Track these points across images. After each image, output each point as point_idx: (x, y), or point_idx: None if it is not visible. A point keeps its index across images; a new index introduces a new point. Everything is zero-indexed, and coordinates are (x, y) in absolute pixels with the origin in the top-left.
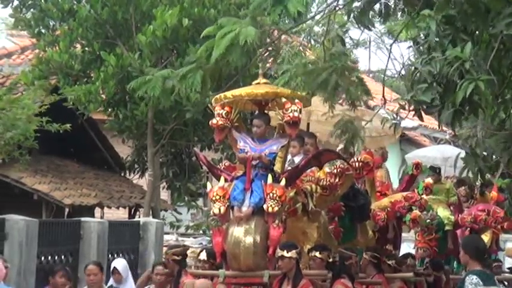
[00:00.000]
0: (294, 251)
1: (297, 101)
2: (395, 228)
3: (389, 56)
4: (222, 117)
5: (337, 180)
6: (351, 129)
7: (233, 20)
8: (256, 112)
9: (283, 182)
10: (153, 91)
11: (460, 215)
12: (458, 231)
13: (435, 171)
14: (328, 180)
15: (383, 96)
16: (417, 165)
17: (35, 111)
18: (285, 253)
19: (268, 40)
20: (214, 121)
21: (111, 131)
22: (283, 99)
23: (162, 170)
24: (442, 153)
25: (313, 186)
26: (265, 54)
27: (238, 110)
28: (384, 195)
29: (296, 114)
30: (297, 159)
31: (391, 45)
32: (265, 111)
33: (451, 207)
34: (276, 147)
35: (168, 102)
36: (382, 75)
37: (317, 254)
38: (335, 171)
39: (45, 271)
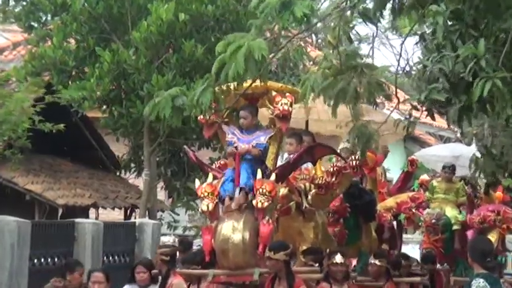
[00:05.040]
0: (281, 253)
1: (287, 94)
2: (393, 228)
3: (400, 57)
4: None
5: (333, 179)
6: (365, 135)
7: (240, 34)
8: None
9: (273, 177)
10: (163, 112)
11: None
12: (469, 232)
13: (449, 168)
14: (324, 179)
15: (396, 96)
16: (412, 162)
17: (29, 104)
18: (271, 254)
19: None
20: (202, 116)
21: (105, 129)
22: (274, 93)
23: (160, 169)
24: (452, 152)
25: (307, 184)
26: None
27: (228, 106)
28: (379, 193)
29: (286, 107)
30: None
31: (401, 45)
32: (250, 102)
33: (460, 207)
34: (263, 138)
35: (178, 122)
36: (389, 74)
37: (302, 257)
38: (331, 169)
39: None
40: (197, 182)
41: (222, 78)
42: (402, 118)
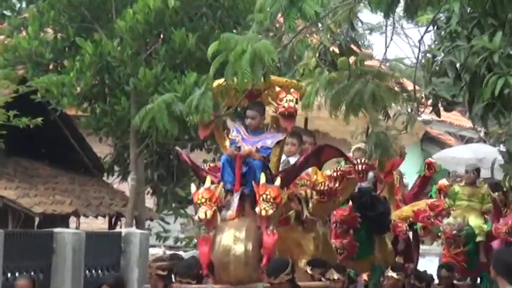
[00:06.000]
0: (282, 275)
1: (293, 90)
2: (408, 238)
3: (419, 50)
4: None
5: (336, 184)
6: (384, 142)
7: (241, 38)
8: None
9: (278, 182)
10: (160, 122)
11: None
12: (495, 243)
13: (474, 171)
14: (326, 184)
15: (414, 96)
16: (430, 165)
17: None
18: (272, 280)
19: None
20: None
21: (87, 129)
22: (277, 89)
23: (147, 172)
24: (476, 154)
25: (308, 191)
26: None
27: (226, 103)
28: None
29: (292, 104)
30: (292, 160)
31: (420, 40)
32: (251, 99)
33: (485, 216)
34: (270, 141)
35: (175, 130)
36: (401, 65)
37: (309, 269)
38: (334, 174)
39: None
40: (193, 186)
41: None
42: (423, 117)
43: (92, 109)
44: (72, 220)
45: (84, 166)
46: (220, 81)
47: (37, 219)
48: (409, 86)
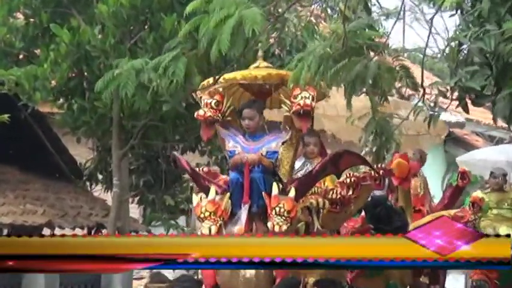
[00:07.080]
0: None
1: (307, 86)
2: None
3: (430, 31)
4: (211, 108)
5: (350, 192)
6: (385, 131)
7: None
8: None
9: (292, 193)
10: (125, 89)
11: None
12: None
13: (501, 175)
14: (338, 192)
15: (421, 83)
16: (463, 174)
17: None
18: None
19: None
20: (201, 113)
21: (63, 128)
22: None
23: (131, 178)
24: (507, 156)
25: (320, 200)
26: (268, 27)
27: (232, 101)
28: (418, 211)
29: (308, 101)
30: (296, 164)
31: (431, 18)
32: (260, 99)
33: None
34: (275, 144)
35: (144, 102)
36: (421, 55)
37: None
38: (347, 180)
39: None
40: (195, 198)
41: (200, 47)
42: (457, 119)
43: (68, 105)
44: (46, 232)
45: (59, 170)
46: (230, 75)
47: (5, 231)
48: (432, 78)
